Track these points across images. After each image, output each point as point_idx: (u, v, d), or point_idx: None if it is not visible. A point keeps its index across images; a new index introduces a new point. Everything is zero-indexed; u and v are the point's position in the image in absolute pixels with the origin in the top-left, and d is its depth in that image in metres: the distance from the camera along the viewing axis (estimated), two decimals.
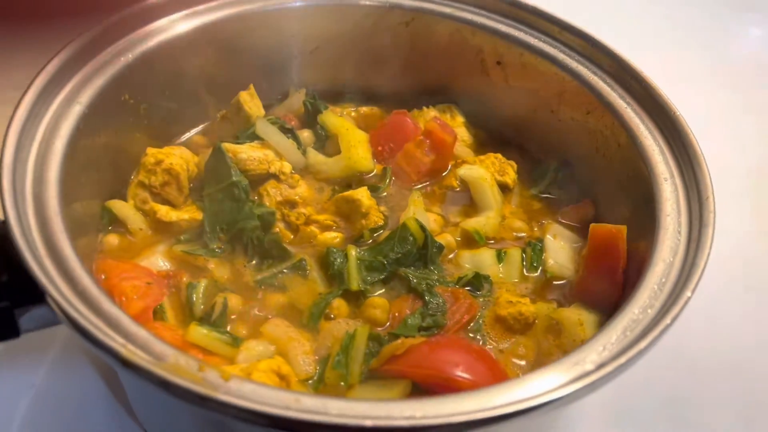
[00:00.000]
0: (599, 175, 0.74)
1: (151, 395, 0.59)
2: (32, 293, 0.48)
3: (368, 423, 0.40)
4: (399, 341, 0.57)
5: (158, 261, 0.67)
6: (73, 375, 0.71)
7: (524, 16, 0.78)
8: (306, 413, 0.41)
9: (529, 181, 0.80)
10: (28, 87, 0.58)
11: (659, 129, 0.66)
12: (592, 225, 0.66)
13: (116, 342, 0.43)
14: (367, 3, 0.81)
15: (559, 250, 0.71)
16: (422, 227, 0.68)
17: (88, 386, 0.70)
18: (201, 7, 0.73)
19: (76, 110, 0.62)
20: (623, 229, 0.63)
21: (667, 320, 0.48)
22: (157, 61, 0.71)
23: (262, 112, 0.81)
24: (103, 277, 0.63)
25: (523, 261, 0.70)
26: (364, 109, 0.87)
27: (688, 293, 0.50)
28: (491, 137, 0.85)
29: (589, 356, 0.48)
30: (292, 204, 0.72)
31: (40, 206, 0.53)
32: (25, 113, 0.56)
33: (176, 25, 0.72)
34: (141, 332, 0.46)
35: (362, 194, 0.72)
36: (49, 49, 0.59)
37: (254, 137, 0.77)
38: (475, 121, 0.85)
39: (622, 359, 0.46)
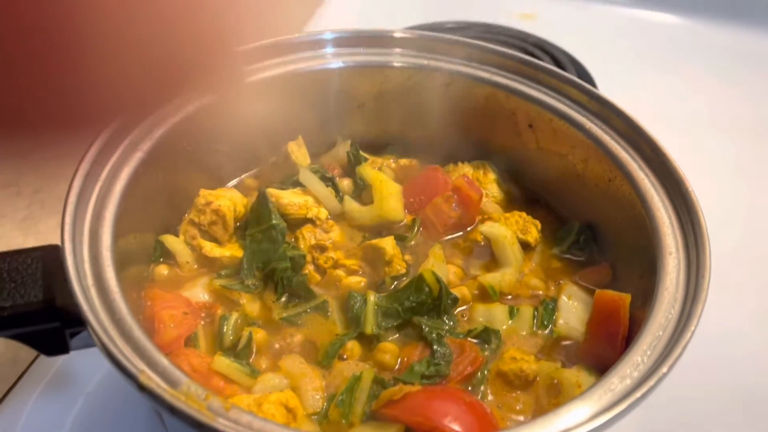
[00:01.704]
0: (617, 241, 0.77)
1: None
2: (79, 317, 0.56)
3: None
4: (397, 387, 0.61)
5: (199, 293, 0.74)
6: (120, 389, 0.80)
7: (556, 84, 0.82)
8: None
9: (553, 240, 0.83)
10: (94, 140, 0.67)
11: (672, 202, 0.69)
12: (597, 291, 0.69)
13: (136, 368, 0.50)
14: (410, 66, 0.87)
15: (572, 311, 0.74)
16: (438, 279, 0.72)
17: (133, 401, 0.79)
18: (253, 67, 0.81)
19: (137, 156, 0.71)
20: (627, 297, 0.66)
21: (638, 394, 0.51)
22: (212, 114, 0.79)
23: (308, 161, 0.88)
24: (149, 303, 0.71)
25: (534, 319, 0.73)
26: (403, 161, 0.93)
27: (664, 369, 0.52)
28: (521, 195, 0.88)
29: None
30: (322, 248, 0.78)
31: (94, 241, 0.62)
32: (91, 159, 0.65)
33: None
34: (162, 361, 0.53)
35: (387, 243, 0.78)
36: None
37: (297, 184, 0.84)
38: (507, 179, 0.89)
39: (590, 426, 0.49)
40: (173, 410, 0.48)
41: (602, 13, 1.65)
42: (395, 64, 0.87)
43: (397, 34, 0.87)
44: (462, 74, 0.86)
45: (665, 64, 1.47)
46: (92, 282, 0.58)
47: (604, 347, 0.66)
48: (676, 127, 1.26)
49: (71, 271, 0.57)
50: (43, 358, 0.85)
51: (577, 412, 0.52)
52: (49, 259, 0.60)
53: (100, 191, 0.66)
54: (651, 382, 0.52)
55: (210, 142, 0.83)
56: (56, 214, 1.07)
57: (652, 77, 1.42)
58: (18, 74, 0.31)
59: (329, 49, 0.85)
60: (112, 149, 0.69)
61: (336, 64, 0.86)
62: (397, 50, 0.88)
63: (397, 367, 0.69)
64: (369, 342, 0.71)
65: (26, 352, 0.82)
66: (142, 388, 0.49)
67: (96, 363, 0.82)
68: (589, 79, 1.36)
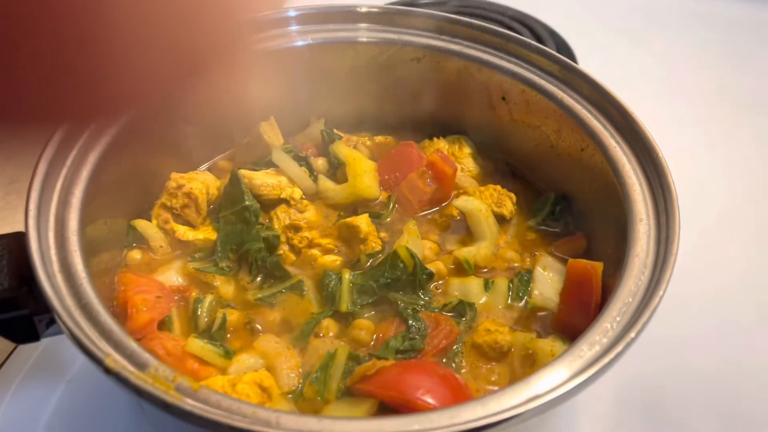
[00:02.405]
0: (591, 211, 0.77)
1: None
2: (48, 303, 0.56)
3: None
4: (370, 363, 0.61)
5: (172, 276, 0.74)
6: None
7: (527, 54, 0.81)
8: (253, 424, 0.46)
9: (529, 212, 0.83)
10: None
11: (643, 169, 0.69)
12: (570, 260, 0.69)
13: (102, 352, 0.50)
14: (380, 41, 0.86)
15: (547, 281, 0.74)
16: (412, 255, 0.72)
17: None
18: None
19: (104, 140, 0.70)
20: (599, 266, 0.66)
21: (605, 359, 0.51)
22: (182, 95, 0.78)
23: (281, 140, 0.87)
24: (122, 288, 0.71)
25: (509, 291, 0.73)
26: (378, 138, 0.92)
27: (632, 335, 0.52)
28: (497, 168, 0.88)
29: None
30: (297, 228, 0.78)
31: (60, 226, 0.61)
32: (56, 144, 0.65)
33: None
34: (130, 344, 0.53)
35: (362, 221, 0.77)
36: None
37: (271, 164, 0.83)
38: (482, 152, 0.89)
39: (557, 392, 0.50)
40: (139, 392, 0.48)
41: None
42: (365, 40, 0.86)
43: (365, 9, 0.86)
44: (433, 48, 0.85)
45: (645, 36, 1.46)
46: (58, 268, 0.58)
47: (578, 316, 0.66)
48: (655, 97, 1.26)
49: (35, 257, 0.56)
50: (21, 348, 0.85)
51: (548, 378, 0.52)
52: (16, 246, 0.60)
53: (65, 177, 0.65)
54: (619, 348, 0.52)
55: (180, 124, 0.82)
56: None
57: (632, 49, 1.41)
58: (22, 65, 0.30)
59: (294, 27, 0.84)
60: (77, 134, 0.69)
61: (304, 41, 0.85)
62: (366, 25, 0.87)
63: (372, 343, 0.69)
64: (345, 319, 0.70)
65: (4, 344, 0.82)
66: (108, 371, 0.49)
67: (75, 350, 0.81)
68: (569, 52, 1.35)
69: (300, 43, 0.84)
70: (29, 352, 0.84)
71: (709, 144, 1.12)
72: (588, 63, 1.35)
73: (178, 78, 0.36)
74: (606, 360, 0.51)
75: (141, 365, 0.51)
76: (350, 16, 0.85)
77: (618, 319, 0.56)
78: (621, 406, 0.76)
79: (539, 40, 1.36)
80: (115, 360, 0.50)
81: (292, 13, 0.83)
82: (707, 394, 0.78)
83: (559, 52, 1.34)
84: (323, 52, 0.86)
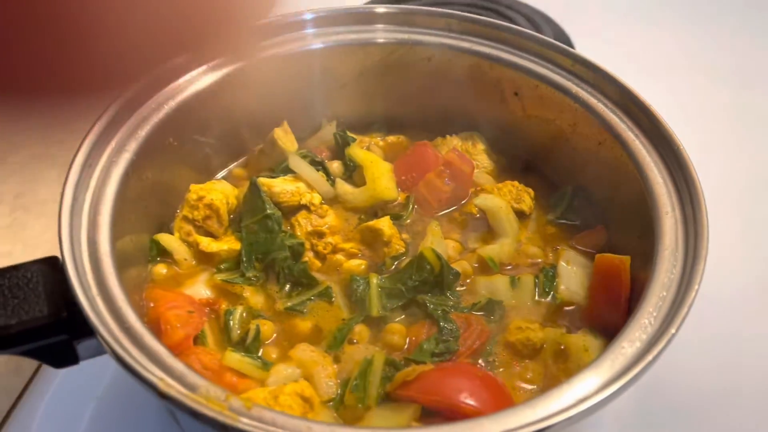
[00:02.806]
0: (611, 203, 0.78)
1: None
2: (87, 327, 0.56)
3: None
4: (410, 368, 0.62)
5: (201, 289, 0.74)
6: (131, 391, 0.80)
7: (539, 50, 0.82)
8: None
9: (547, 206, 0.83)
10: (80, 145, 0.65)
11: (664, 161, 0.69)
12: (597, 255, 0.70)
13: (155, 376, 0.50)
14: (390, 42, 0.86)
15: (572, 276, 0.75)
16: (438, 256, 0.73)
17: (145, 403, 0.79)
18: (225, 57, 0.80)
19: (125, 158, 0.70)
20: (627, 260, 0.67)
21: (649, 357, 0.52)
22: (195, 107, 0.78)
23: (296, 146, 0.87)
24: (151, 305, 0.71)
25: (535, 287, 0.74)
26: (391, 138, 0.92)
27: (672, 330, 0.54)
28: (512, 163, 0.89)
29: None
30: (320, 234, 0.78)
31: (93, 249, 0.61)
32: (79, 168, 0.64)
33: (206, 75, 0.79)
34: (178, 365, 0.53)
35: (384, 224, 0.78)
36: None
37: (288, 170, 0.83)
38: (496, 148, 0.89)
39: (607, 392, 0.51)
40: (196, 415, 0.48)
41: None
42: (376, 41, 0.86)
43: (377, 10, 0.86)
44: (443, 46, 0.86)
45: (639, 13, 1.47)
46: (96, 292, 0.58)
47: (607, 310, 0.67)
48: (655, 77, 1.26)
49: (75, 283, 0.56)
50: (46, 366, 0.85)
51: (591, 379, 0.53)
52: (49, 271, 0.59)
53: (92, 198, 0.65)
54: (661, 344, 0.53)
55: (195, 134, 0.82)
56: (41, 217, 1.06)
57: (628, 27, 1.42)
58: (25, 37, 0.30)
59: (309, 30, 0.84)
60: (99, 153, 0.68)
61: (316, 44, 0.85)
62: (377, 26, 0.87)
63: (406, 346, 0.69)
64: (376, 324, 0.71)
65: (28, 361, 0.82)
66: (164, 396, 0.49)
67: (101, 367, 0.81)
68: (565, 36, 1.36)
69: (314, 46, 0.84)
70: (54, 370, 0.84)
71: (719, 120, 1.13)
72: (583, 44, 1.36)
73: (164, 55, 0.36)
74: (649, 357, 0.52)
75: (191, 386, 0.51)
76: (362, 17, 0.85)
77: (654, 314, 0.57)
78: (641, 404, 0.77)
79: (535, 26, 1.37)
80: (168, 383, 0.50)
81: (308, 16, 0.83)
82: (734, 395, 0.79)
83: (555, 38, 1.35)
84: (334, 54, 0.86)
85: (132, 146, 0.71)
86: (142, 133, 0.73)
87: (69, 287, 0.56)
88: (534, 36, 0.82)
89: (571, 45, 1.35)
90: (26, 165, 1.20)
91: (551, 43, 0.80)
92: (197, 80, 0.79)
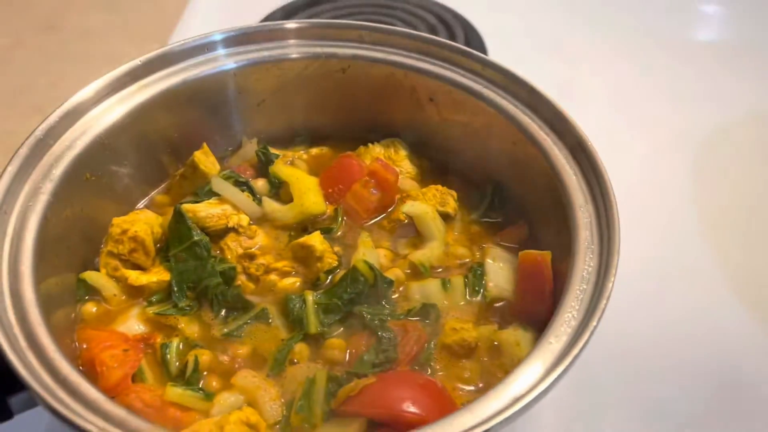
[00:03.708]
0: (530, 199, 0.81)
1: None
2: (18, 382, 0.54)
3: None
4: (353, 383, 0.63)
5: (133, 325, 0.73)
6: None
7: (450, 56, 0.84)
8: None
9: (470, 206, 0.86)
10: None
11: (574, 157, 0.73)
12: (520, 252, 0.73)
13: (94, 426, 0.50)
14: (304, 56, 0.86)
15: (499, 272, 0.78)
16: (371, 267, 0.74)
17: None
18: (136, 86, 0.79)
19: (42, 199, 0.68)
20: (547, 255, 0.71)
21: (575, 350, 0.55)
22: (109, 139, 0.77)
23: (217, 167, 0.87)
24: (84, 346, 0.69)
25: (465, 286, 0.77)
26: (314, 151, 0.93)
27: (593, 323, 0.57)
28: (433, 166, 0.91)
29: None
30: (251, 256, 0.78)
31: (17, 300, 0.60)
32: None
33: (118, 106, 0.78)
34: (117, 411, 0.52)
35: (315, 239, 0.78)
36: None
37: (212, 194, 0.83)
38: (417, 153, 0.91)
39: (540, 389, 0.53)
40: None
41: None
42: (290, 56, 0.87)
43: (288, 25, 0.86)
44: (358, 57, 0.87)
45: (545, 5, 1.53)
46: (25, 345, 0.56)
47: (534, 303, 0.71)
48: (561, 72, 1.32)
49: (2, 340, 0.54)
50: None
51: (525, 376, 0.56)
52: None
53: (11, 247, 0.63)
54: (585, 337, 0.56)
55: (112, 165, 0.80)
56: None
57: (539, 25, 1.47)
58: None
59: (220, 50, 0.83)
60: (12, 199, 0.66)
61: (229, 65, 0.85)
62: (290, 42, 0.87)
63: (346, 359, 0.71)
64: (315, 341, 0.72)
65: None
66: None
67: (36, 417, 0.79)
68: (477, 35, 1.39)
69: (227, 66, 0.83)
70: None
71: (628, 129, 1.19)
72: (495, 45, 1.40)
73: None
74: (575, 350, 0.55)
75: None
76: (273, 34, 0.85)
77: (576, 307, 0.60)
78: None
79: (445, 25, 1.40)
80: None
81: (217, 37, 0.82)
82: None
83: (466, 35, 1.39)
84: (248, 73, 0.86)
85: (48, 187, 0.70)
86: (57, 172, 0.71)
87: None
88: (444, 43, 0.84)
89: (482, 42, 1.39)
90: None
91: (462, 49, 0.83)
92: (109, 112, 0.77)
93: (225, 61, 0.84)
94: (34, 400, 0.56)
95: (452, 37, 1.37)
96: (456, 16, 1.43)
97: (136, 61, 0.80)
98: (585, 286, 0.62)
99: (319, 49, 0.86)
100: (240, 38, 0.84)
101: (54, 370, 0.55)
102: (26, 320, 0.59)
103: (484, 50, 1.38)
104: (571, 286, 0.62)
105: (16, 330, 0.57)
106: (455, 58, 0.84)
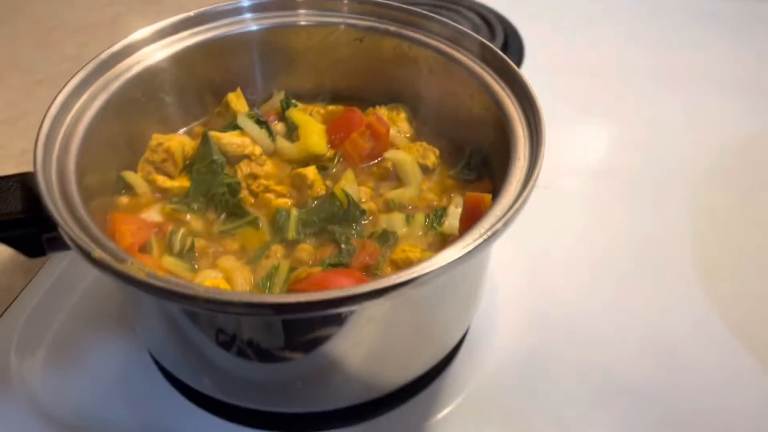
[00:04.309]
0: (496, 160, 0.93)
1: (138, 307, 0.83)
2: (52, 223, 0.73)
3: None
4: (302, 269, 0.78)
5: (154, 215, 0.91)
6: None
7: (448, 34, 0.98)
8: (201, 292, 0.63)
9: (450, 164, 0.99)
10: (60, 91, 0.83)
11: (526, 117, 0.85)
12: (467, 193, 0.85)
13: (91, 248, 0.67)
14: (328, 24, 1.03)
15: (457, 215, 0.90)
16: (347, 195, 0.89)
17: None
18: (188, 32, 0.97)
19: (96, 105, 0.87)
20: (487, 197, 0.83)
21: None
22: (162, 71, 0.96)
23: (246, 108, 1.04)
24: (112, 223, 0.88)
25: (426, 222, 0.90)
26: (331, 108, 1.09)
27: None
28: (428, 130, 1.05)
29: None
30: (255, 176, 0.95)
31: (61, 168, 0.78)
32: (56, 109, 0.81)
33: (171, 46, 0.96)
34: (113, 247, 0.69)
35: (310, 171, 0.94)
36: None
37: (237, 127, 1.00)
38: (416, 117, 1.06)
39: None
40: (118, 275, 0.65)
41: None
42: (317, 23, 1.03)
43: None
44: (372, 29, 1.02)
45: (589, 17, 1.63)
46: (59, 197, 0.74)
47: None
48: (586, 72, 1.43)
49: (44, 190, 0.73)
50: (30, 286, 1.03)
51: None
52: (26, 182, 0.77)
53: (65, 132, 0.82)
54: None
55: (161, 94, 0.99)
56: None
57: (580, 33, 1.58)
58: None
59: (248, 15, 1.01)
60: (75, 99, 0.86)
61: (263, 26, 1.02)
62: (318, 11, 1.04)
63: (311, 262, 0.85)
64: (291, 246, 0.87)
65: (21, 281, 1.00)
66: (94, 261, 0.66)
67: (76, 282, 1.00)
68: (516, 35, 1.52)
69: (254, 27, 1.01)
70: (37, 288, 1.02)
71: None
72: (534, 47, 1.52)
73: None
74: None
75: (121, 259, 0.68)
76: (293, 3, 1.02)
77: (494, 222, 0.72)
78: None
79: (488, 25, 1.53)
80: (101, 254, 0.67)
81: (246, 3, 1.00)
82: None
83: (506, 36, 1.52)
84: (280, 35, 1.03)
85: (103, 97, 0.89)
86: (113, 87, 0.90)
87: (40, 193, 0.74)
88: (444, 22, 0.98)
89: (520, 41, 1.51)
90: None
91: (453, 26, 0.97)
92: (162, 49, 0.97)
93: (252, 23, 1.02)
94: (62, 242, 0.74)
95: (492, 37, 1.50)
96: (500, 18, 1.56)
97: (190, 13, 0.99)
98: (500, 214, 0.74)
99: (339, 20, 1.03)
100: (265, 5, 1.02)
101: (77, 218, 0.73)
102: (65, 183, 0.77)
103: (521, 51, 1.51)
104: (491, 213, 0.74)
105: (56, 188, 0.75)
106: (452, 36, 0.97)
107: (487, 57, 0.94)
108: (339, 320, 0.69)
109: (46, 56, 1.44)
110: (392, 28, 1.02)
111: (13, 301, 1.01)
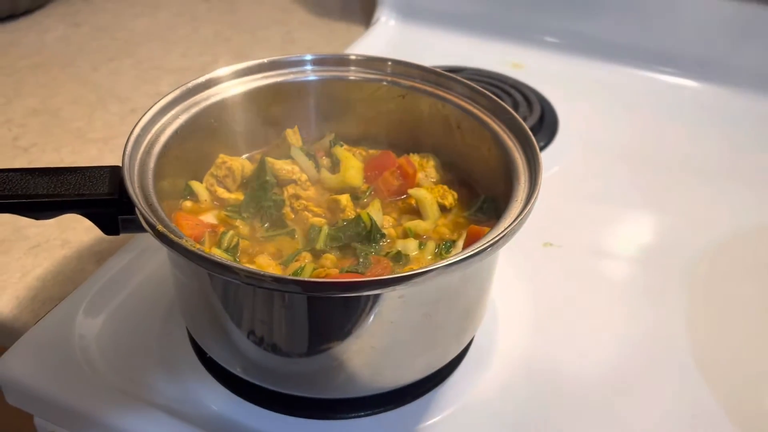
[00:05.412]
0: (504, 207, 1.07)
1: (183, 287, 1.00)
2: (130, 206, 0.91)
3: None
4: (321, 268, 0.94)
5: (210, 218, 1.09)
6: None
7: (476, 97, 1.15)
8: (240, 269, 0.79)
9: (465, 207, 1.14)
10: (151, 107, 1.03)
11: (529, 166, 1.00)
12: (469, 226, 1.00)
13: (158, 225, 0.85)
14: (375, 81, 1.22)
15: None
16: (371, 218, 1.05)
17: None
18: (262, 74, 1.18)
19: (177, 123, 1.07)
20: (487, 229, 0.97)
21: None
22: (235, 104, 1.16)
23: (300, 144, 1.23)
24: (175, 221, 1.06)
25: (435, 250, 1.04)
26: (372, 151, 1.26)
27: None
28: (451, 177, 1.20)
29: None
30: (297, 197, 1.12)
31: (142, 167, 0.97)
32: (146, 120, 1.01)
33: (244, 85, 1.17)
34: (175, 227, 0.87)
35: (344, 197, 1.11)
36: None
37: (289, 157, 1.19)
38: (443, 165, 1.22)
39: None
40: (173, 245, 0.82)
41: (580, 65, 1.96)
42: (366, 79, 1.22)
43: (359, 57, 1.22)
44: (412, 88, 1.20)
45: (625, 106, 1.79)
46: (138, 187, 0.93)
47: None
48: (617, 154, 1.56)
49: (127, 177, 0.92)
50: (98, 272, 1.22)
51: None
52: (115, 172, 0.96)
53: (149, 140, 1.02)
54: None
55: (231, 124, 1.19)
56: None
57: (613, 116, 1.73)
58: None
59: (309, 66, 1.21)
60: (161, 116, 1.06)
61: (321, 77, 1.22)
62: (361, 69, 1.23)
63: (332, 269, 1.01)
64: (318, 255, 1.03)
65: (92, 267, 1.19)
66: (158, 233, 0.83)
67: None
68: (552, 112, 1.68)
69: (313, 78, 1.20)
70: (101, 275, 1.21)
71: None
72: (569, 123, 1.68)
73: None
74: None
75: (179, 236, 0.85)
76: (347, 60, 1.22)
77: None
78: None
79: (528, 102, 1.70)
80: (163, 228, 0.84)
81: (308, 57, 1.20)
82: None
83: (543, 112, 1.68)
84: (334, 86, 1.23)
85: (184, 117, 1.09)
86: (193, 110, 1.11)
87: (123, 181, 0.92)
88: (469, 85, 1.16)
89: (556, 118, 1.67)
90: None
91: (477, 89, 1.13)
92: (238, 86, 1.17)
93: (312, 74, 1.22)
94: (135, 223, 0.92)
95: (530, 112, 1.67)
96: (539, 97, 1.73)
97: (264, 60, 1.20)
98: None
99: (384, 78, 1.21)
100: (326, 61, 1.21)
101: (149, 202, 0.91)
102: (143, 178, 0.96)
103: (556, 125, 1.67)
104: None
105: (135, 180, 0.94)
106: (475, 97, 1.14)
107: (499, 114, 1.10)
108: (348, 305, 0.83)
109: (142, 90, 1.69)
110: (428, 88, 1.20)
111: (84, 282, 1.20)
